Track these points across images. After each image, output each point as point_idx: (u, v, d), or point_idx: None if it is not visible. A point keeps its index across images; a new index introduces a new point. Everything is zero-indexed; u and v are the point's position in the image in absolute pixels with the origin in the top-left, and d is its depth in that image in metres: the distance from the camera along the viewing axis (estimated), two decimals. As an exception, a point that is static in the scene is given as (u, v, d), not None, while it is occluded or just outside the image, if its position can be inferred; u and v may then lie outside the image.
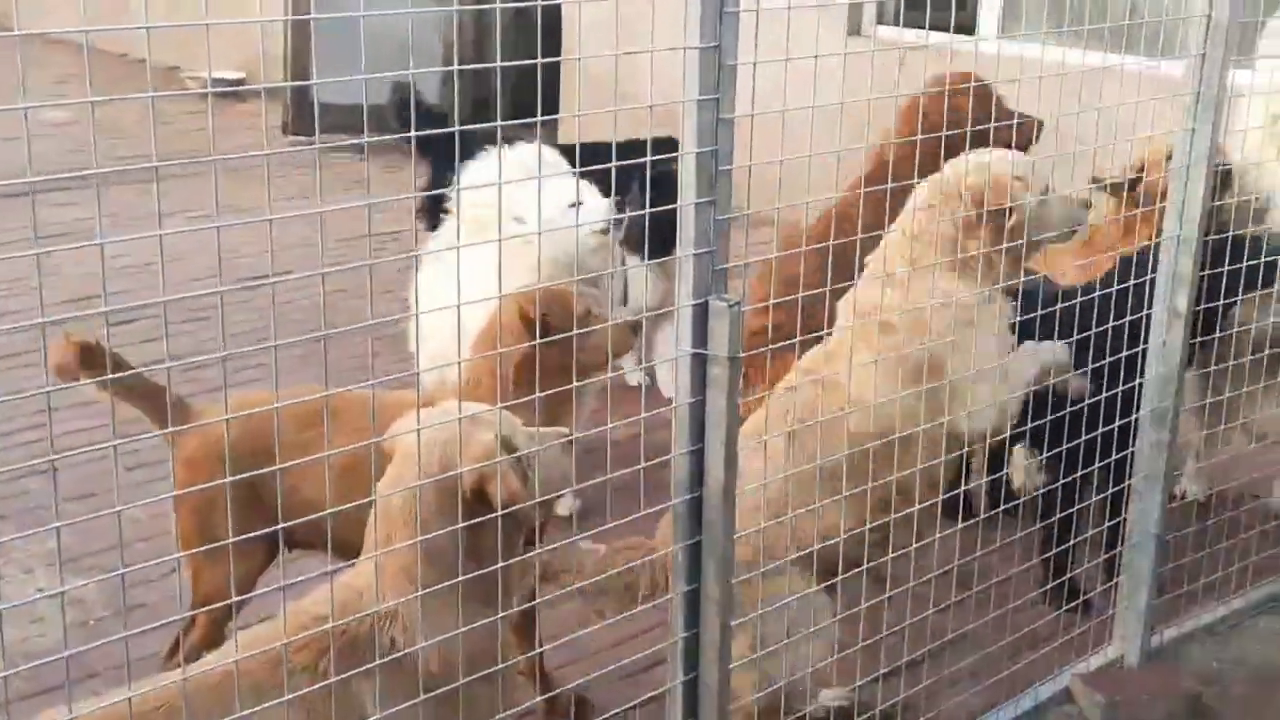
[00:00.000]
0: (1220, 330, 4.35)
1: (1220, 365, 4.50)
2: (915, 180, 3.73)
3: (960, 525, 3.91)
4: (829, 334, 3.70)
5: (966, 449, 3.82)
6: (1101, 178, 4.77)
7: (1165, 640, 4.30)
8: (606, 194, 4.76)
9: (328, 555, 3.10)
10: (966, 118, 4.12)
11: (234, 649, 2.43)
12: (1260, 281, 4.38)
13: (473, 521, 2.60)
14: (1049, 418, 3.96)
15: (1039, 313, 3.81)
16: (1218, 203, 4.03)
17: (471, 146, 5.16)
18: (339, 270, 2.47)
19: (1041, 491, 4.24)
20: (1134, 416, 4.07)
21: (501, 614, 2.65)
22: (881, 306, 3.55)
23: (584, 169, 4.40)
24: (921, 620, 3.65)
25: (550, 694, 3.74)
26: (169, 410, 3.38)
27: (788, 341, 3.51)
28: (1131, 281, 4.12)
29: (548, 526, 3.56)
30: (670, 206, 2.81)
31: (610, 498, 2.90)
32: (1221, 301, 4.12)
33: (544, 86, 2.68)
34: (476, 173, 4.85)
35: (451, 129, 2.70)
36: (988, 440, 3.80)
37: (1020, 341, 3.79)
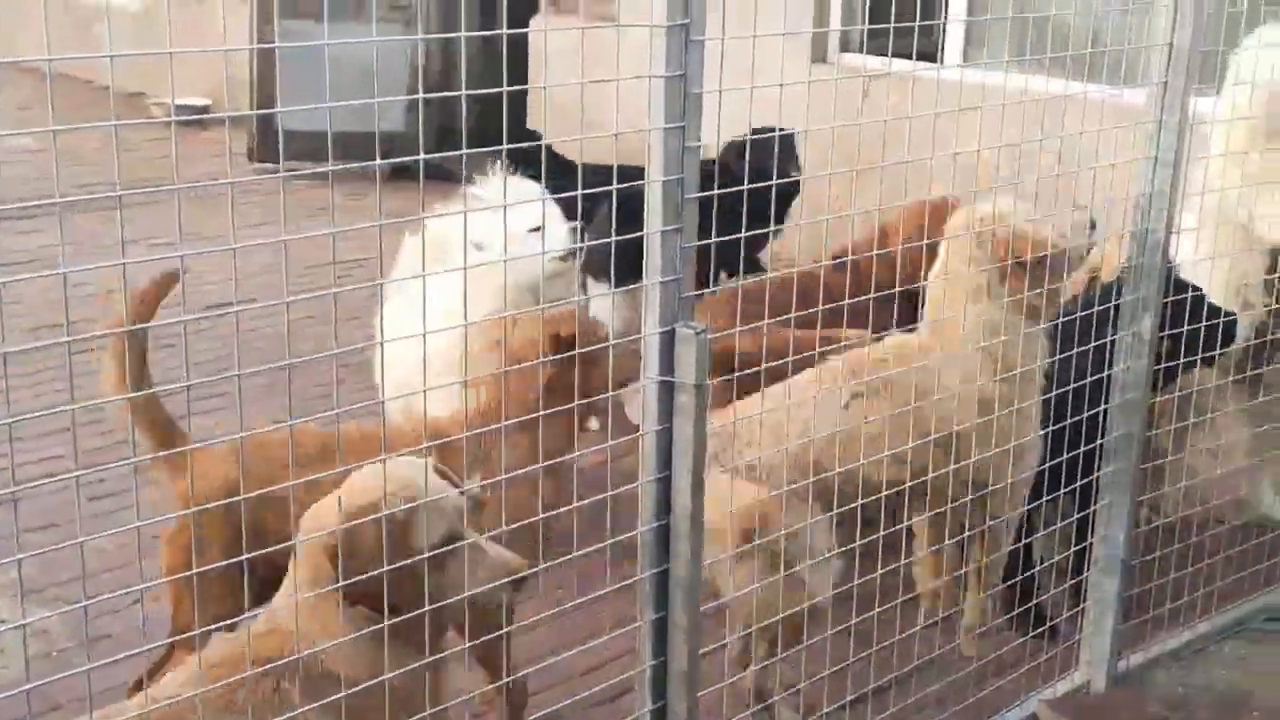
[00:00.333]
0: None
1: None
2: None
3: (929, 551, 3.92)
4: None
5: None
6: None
7: (1131, 665, 4.31)
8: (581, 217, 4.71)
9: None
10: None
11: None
12: None
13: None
14: (1014, 444, 3.98)
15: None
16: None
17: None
18: (304, 299, 2.46)
19: (1006, 518, 4.24)
20: (1099, 442, 4.10)
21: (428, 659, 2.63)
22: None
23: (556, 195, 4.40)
24: (888, 646, 3.65)
25: (517, 723, 3.73)
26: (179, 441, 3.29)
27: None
28: (1095, 308, 4.15)
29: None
30: (637, 234, 2.82)
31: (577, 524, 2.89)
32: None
33: (510, 115, 2.68)
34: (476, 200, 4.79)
35: (417, 157, 2.68)
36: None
37: None
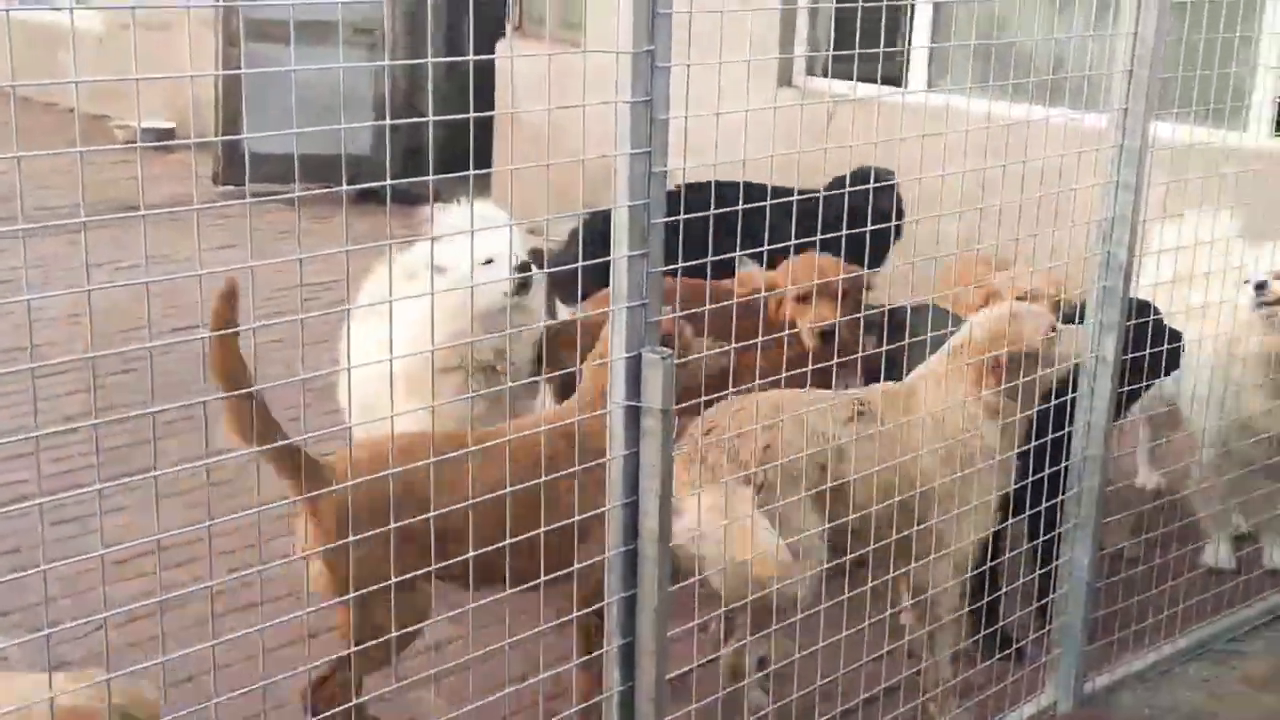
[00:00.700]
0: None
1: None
2: None
3: (893, 574, 3.92)
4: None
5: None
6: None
7: (1097, 687, 4.33)
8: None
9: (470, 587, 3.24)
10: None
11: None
12: None
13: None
14: (979, 467, 3.99)
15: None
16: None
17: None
18: (270, 325, 2.46)
19: (974, 540, 4.26)
20: (1064, 464, 4.12)
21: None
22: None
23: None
24: (854, 670, 3.65)
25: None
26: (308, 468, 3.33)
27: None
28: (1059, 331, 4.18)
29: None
30: (605, 259, 2.83)
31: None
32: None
33: (476, 140, 2.69)
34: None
35: (384, 183, 2.69)
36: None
37: None
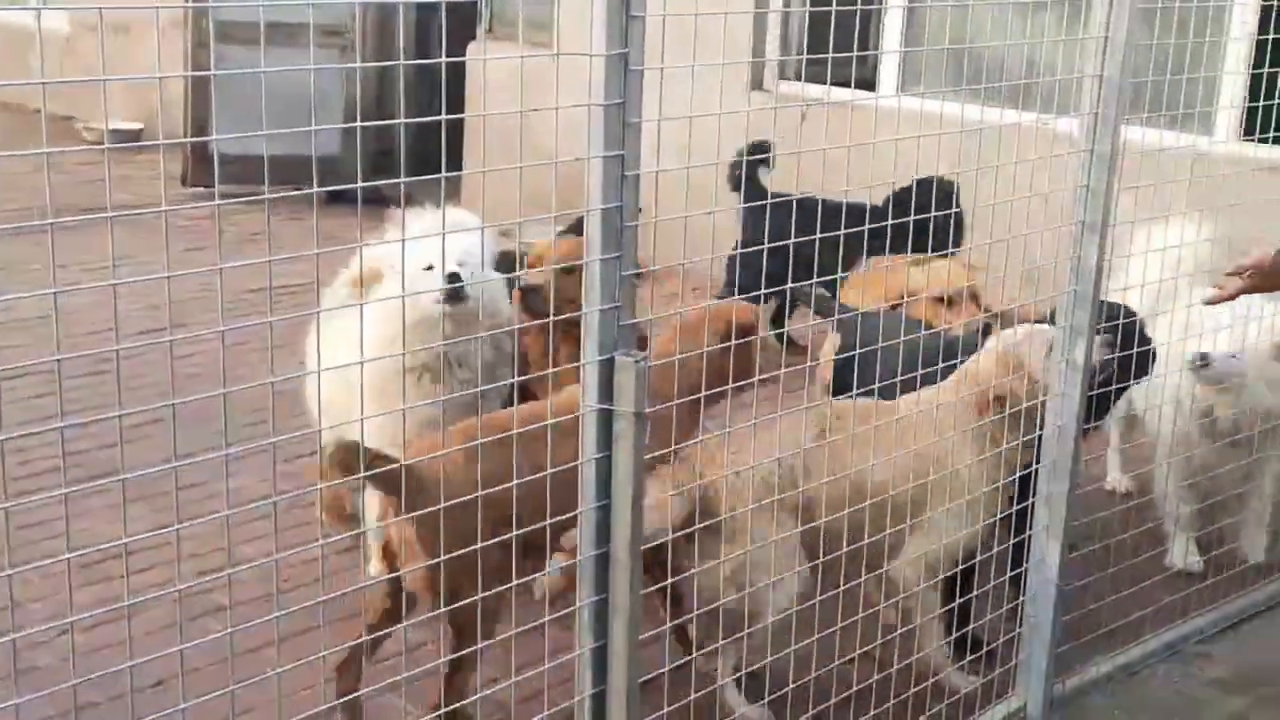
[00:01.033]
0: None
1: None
2: None
3: (864, 577, 3.92)
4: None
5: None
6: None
7: (1068, 689, 4.34)
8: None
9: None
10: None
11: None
12: None
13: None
14: (952, 469, 4.00)
15: (939, 365, 3.93)
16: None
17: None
18: (238, 328, 2.44)
19: (945, 542, 4.26)
20: (1034, 468, 4.13)
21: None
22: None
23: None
24: (825, 673, 3.65)
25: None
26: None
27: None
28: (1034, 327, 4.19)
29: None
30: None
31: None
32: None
33: (447, 143, 2.67)
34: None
35: (354, 184, 2.68)
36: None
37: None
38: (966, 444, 4.04)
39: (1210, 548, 5.32)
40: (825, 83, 3.49)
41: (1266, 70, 4.82)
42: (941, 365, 4.13)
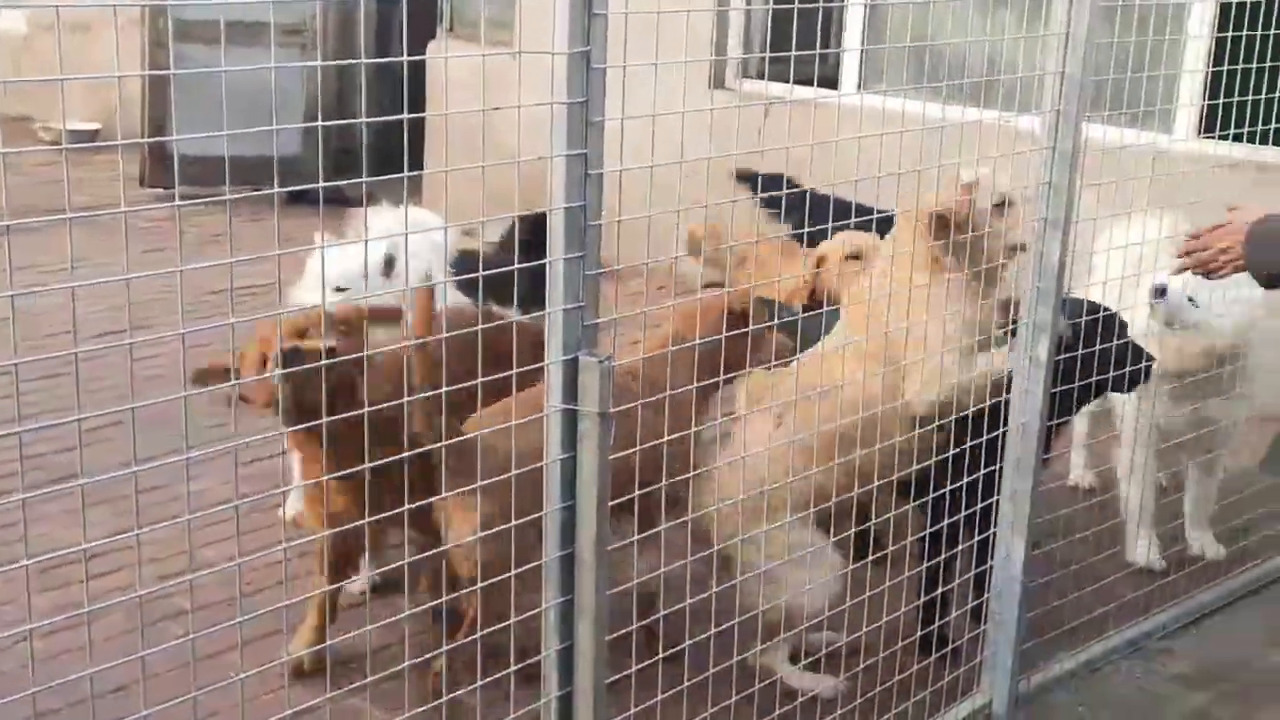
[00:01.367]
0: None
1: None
2: None
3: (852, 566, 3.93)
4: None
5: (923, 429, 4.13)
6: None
7: (1032, 686, 4.35)
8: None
9: None
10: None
11: None
12: None
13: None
14: (917, 466, 4.01)
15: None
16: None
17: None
18: (199, 330, 2.42)
19: (912, 539, 4.27)
20: (999, 465, 4.14)
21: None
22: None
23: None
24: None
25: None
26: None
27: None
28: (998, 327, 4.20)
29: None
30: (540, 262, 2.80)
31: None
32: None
33: (409, 142, 2.66)
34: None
35: (315, 184, 2.67)
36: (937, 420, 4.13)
37: None
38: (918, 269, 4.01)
39: (1169, 545, 5.36)
40: (788, 81, 3.49)
41: (1226, 68, 4.84)
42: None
